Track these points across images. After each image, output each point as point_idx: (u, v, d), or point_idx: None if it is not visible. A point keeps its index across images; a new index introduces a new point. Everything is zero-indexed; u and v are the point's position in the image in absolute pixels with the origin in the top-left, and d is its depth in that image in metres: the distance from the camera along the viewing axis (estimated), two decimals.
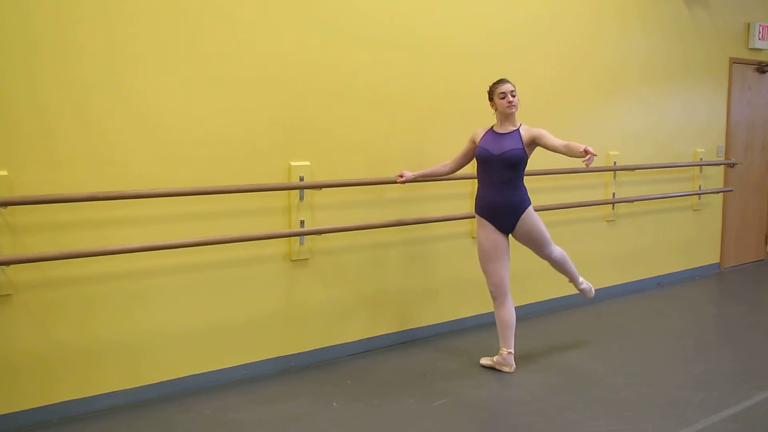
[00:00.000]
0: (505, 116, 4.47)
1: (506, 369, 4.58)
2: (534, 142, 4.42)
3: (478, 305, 5.59)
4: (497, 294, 4.55)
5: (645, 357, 4.91)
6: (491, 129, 4.55)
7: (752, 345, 5.21)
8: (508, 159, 4.38)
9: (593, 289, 5.04)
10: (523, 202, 4.47)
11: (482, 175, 4.54)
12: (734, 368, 4.71)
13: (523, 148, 4.40)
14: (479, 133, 4.60)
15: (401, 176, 4.72)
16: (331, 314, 4.80)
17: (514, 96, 4.43)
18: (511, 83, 4.47)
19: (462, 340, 5.24)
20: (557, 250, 4.72)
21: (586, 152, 4.06)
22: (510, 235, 4.56)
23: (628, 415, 3.89)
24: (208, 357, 4.32)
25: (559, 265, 4.80)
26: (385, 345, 5.07)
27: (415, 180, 4.77)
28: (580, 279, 4.94)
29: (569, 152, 4.24)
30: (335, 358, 4.81)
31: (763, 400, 4.12)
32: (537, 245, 4.62)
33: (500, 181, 4.44)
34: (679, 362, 4.82)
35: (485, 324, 5.58)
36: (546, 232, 4.60)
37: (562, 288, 6.11)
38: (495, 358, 4.65)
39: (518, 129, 4.46)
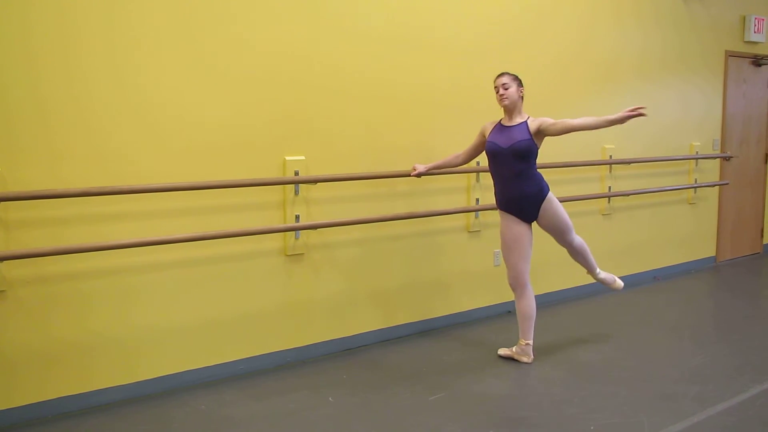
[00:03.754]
0: (506, 109, 4.48)
1: (525, 359, 4.63)
2: (540, 132, 4.40)
3: (478, 298, 5.60)
4: (515, 286, 4.60)
5: (641, 350, 4.92)
6: (499, 122, 4.55)
7: (748, 338, 5.21)
8: (516, 151, 4.38)
9: (617, 279, 5.05)
10: (541, 191, 4.47)
11: (494, 169, 4.55)
12: (730, 361, 4.71)
13: (531, 139, 4.39)
14: (488, 127, 4.61)
15: (414, 169, 4.75)
16: (327, 309, 4.79)
17: (507, 89, 4.43)
18: (506, 76, 4.46)
19: (459, 334, 5.24)
20: (578, 239, 4.74)
21: (633, 113, 4.16)
22: (535, 222, 4.58)
23: (624, 409, 3.90)
24: (204, 352, 4.31)
25: (577, 254, 4.82)
26: (382, 339, 5.07)
27: (428, 172, 4.79)
28: (598, 269, 4.95)
29: (596, 125, 4.33)
30: (331, 353, 4.81)
31: (759, 393, 4.13)
32: (559, 232, 4.64)
33: (512, 175, 4.45)
34: (675, 355, 4.83)
35: (484, 317, 5.60)
36: (568, 219, 4.62)
37: (557, 282, 6.13)
38: (514, 349, 4.69)
39: (526, 121, 4.45)
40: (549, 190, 4.53)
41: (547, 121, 4.39)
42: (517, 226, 4.52)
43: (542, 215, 4.52)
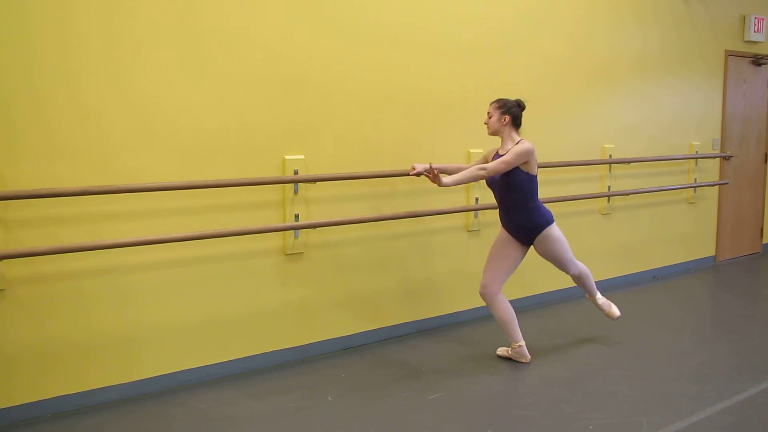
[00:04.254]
0: (496, 136, 4.50)
1: (522, 360, 4.65)
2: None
3: (477, 298, 5.58)
4: (485, 294, 4.59)
5: (640, 350, 4.92)
6: (498, 150, 4.53)
7: (748, 338, 5.21)
8: (506, 182, 4.38)
9: (613, 306, 5.01)
10: (538, 226, 4.46)
11: (494, 195, 4.58)
12: (729, 361, 4.71)
13: (517, 167, 4.33)
14: (491, 153, 4.60)
15: (413, 169, 4.72)
16: (326, 308, 4.79)
17: (489, 117, 4.45)
18: (492, 104, 4.47)
19: (458, 333, 5.24)
20: (577, 269, 4.76)
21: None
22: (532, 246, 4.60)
23: (623, 408, 3.90)
24: (203, 351, 4.31)
25: (578, 280, 4.87)
26: (381, 339, 5.07)
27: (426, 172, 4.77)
28: (598, 295, 4.98)
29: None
30: (330, 352, 4.81)
31: (758, 392, 4.13)
32: (557, 262, 4.67)
33: (508, 205, 4.48)
34: (675, 355, 4.83)
35: (483, 317, 5.59)
36: (567, 252, 4.62)
37: (556, 281, 6.12)
38: (510, 351, 4.70)
39: (513, 147, 4.35)
40: (550, 223, 4.49)
41: (499, 157, 4.37)
42: (511, 242, 4.57)
43: (537, 244, 4.54)
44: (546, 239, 4.50)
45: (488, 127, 4.48)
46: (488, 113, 4.47)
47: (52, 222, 3.74)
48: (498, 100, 4.47)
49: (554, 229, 4.51)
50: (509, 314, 4.58)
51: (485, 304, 5.60)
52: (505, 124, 4.42)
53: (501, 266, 4.56)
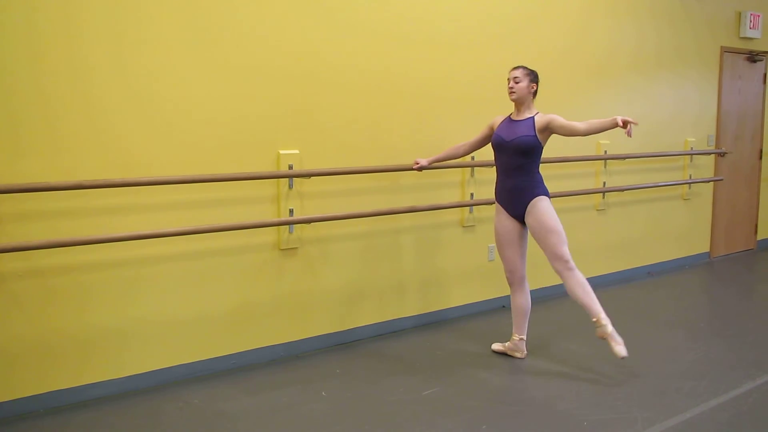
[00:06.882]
0: (515, 103, 4.44)
1: (518, 355, 4.64)
2: (548, 128, 4.33)
3: (471, 293, 5.60)
4: (512, 280, 4.60)
5: (634, 346, 4.90)
6: (509, 116, 4.52)
7: (742, 334, 5.22)
8: (518, 145, 4.34)
9: (621, 345, 4.29)
10: (534, 188, 4.38)
11: (497, 161, 4.52)
12: (724, 357, 4.72)
13: (535, 135, 4.33)
14: (497, 120, 4.58)
15: (417, 163, 4.72)
16: (320, 303, 4.79)
17: (517, 82, 4.37)
18: (520, 69, 4.40)
19: (453, 329, 5.24)
20: (571, 261, 4.33)
21: (625, 123, 4.00)
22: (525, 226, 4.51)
23: (617, 404, 3.90)
24: (197, 346, 4.30)
25: (572, 285, 4.38)
26: (375, 334, 5.07)
27: (430, 166, 4.76)
28: (603, 315, 4.34)
29: (594, 131, 4.17)
30: (324, 347, 4.80)
31: (753, 388, 4.13)
32: (549, 242, 4.33)
33: (512, 167, 4.41)
34: (669, 351, 4.83)
35: (478, 312, 5.59)
36: (559, 226, 4.33)
37: (552, 277, 6.11)
38: (507, 344, 4.70)
39: (533, 116, 4.39)
40: (545, 194, 4.41)
41: (558, 120, 4.28)
42: (507, 221, 4.50)
43: (529, 212, 4.38)
44: (540, 202, 4.36)
45: (514, 93, 4.38)
46: (515, 78, 4.37)
47: (49, 216, 3.72)
48: (524, 67, 4.42)
49: (548, 201, 4.40)
50: (528, 305, 4.61)
51: (481, 299, 5.66)
52: (531, 92, 4.42)
53: (514, 247, 4.51)
